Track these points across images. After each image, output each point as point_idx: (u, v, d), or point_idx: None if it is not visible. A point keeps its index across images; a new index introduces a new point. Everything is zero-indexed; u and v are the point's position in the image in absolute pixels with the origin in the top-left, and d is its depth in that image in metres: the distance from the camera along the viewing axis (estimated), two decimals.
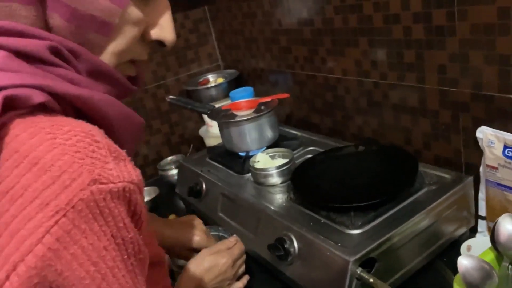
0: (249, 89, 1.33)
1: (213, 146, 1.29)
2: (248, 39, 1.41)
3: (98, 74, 0.46)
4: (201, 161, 1.23)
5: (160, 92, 1.53)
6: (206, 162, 1.21)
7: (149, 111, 1.51)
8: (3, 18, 0.42)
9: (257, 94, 1.32)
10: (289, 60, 1.26)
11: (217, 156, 1.20)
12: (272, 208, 0.90)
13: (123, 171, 0.38)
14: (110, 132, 0.43)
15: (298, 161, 1.03)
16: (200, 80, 1.56)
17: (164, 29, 0.50)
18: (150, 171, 1.52)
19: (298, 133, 1.22)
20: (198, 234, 0.87)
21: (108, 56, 0.47)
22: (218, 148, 1.24)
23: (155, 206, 1.27)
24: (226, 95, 1.45)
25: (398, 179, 0.85)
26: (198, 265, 0.76)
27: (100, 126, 0.41)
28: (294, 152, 1.09)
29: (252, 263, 0.90)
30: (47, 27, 0.44)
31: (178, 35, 1.50)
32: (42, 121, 0.37)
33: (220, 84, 1.48)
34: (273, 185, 0.98)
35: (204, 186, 1.12)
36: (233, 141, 1.14)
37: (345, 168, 0.95)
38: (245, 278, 0.84)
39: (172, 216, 1.18)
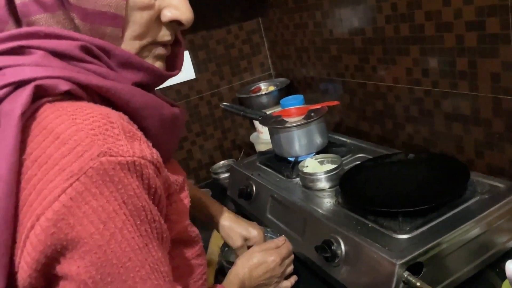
0: (299, 97, 1.37)
1: (263, 151, 1.33)
2: (299, 49, 1.45)
3: (128, 64, 0.51)
4: (251, 165, 1.27)
5: (214, 100, 1.60)
6: (257, 166, 1.25)
7: (203, 118, 1.59)
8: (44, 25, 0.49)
9: (307, 102, 1.35)
10: (339, 68, 1.28)
11: (267, 161, 1.24)
12: (320, 211, 0.93)
13: (135, 148, 0.44)
14: (135, 118, 0.49)
15: (347, 167, 1.05)
16: (252, 88, 1.62)
17: (178, 8, 0.53)
18: (203, 175, 1.59)
19: (348, 140, 1.24)
20: (256, 228, 0.91)
21: (128, 44, 0.52)
22: (268, 153, 1.28)
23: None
24: (277, 103, 1.49)
25: (448, 187, 0.85)
26: (247, 260, 0.80)
27: (125, 113, 0.48)
28: (343, 158, 1.11)
29: (299, 265, 0.93)
30: (76, 28, 0.49)
31: (232, 45, 1.59)
32: (67, 105, 0.45)
33: (271, 92, 1.53)
34: (321, 190, 1.01)
35: (254, 188, 1.16)
36: (283, 147, 1.18)
37: (394, 175, 0.96)
38: (293, 278, 0.87)
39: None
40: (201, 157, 1.61)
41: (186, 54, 1.51)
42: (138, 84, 0.53)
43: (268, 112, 1.31)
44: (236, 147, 1.67)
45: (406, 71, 1.04)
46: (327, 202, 0.96)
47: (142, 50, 0.54)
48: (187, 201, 0.61)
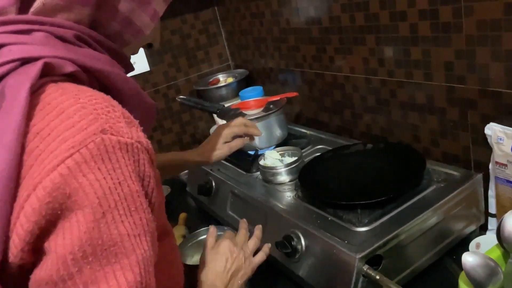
0: (258, 88, 1.34)
1: None
2: (257, 39, 1.42)
3: (117, 55, 0.54)
4: None
5: (171, 93, 1.55)
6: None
7: (160, 111, 1.54)
8: (63, 10, 0.50)
9: (267, 93, 1.33)
10: (297, 59, 1.26)
11: None
12: (280, 206, 0.91)
13: (133, 132, 0.45)
14: (124, 104, 0.48)
15: (307, 159, 1.04)
16: (211, 80, 1.58)
17: (155, 35, 0.62)
18: None
19: (307, 132, 1.23)
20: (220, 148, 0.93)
21: (126, 50, 0.57)
22: None
23: (166, 204, 1.28)
24: (236, 95, 1.46)
25: (405, 177, 0.85)
26: (205, 272, 0.71)
27: (115, 98, 0.48)
28: (303, 150, 1.10)
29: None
30: (90, 22, 0.52)
31: (188, 36, 1.53)
32: (70, 86, 0.46)
33: (230, 84, 1.49)
34: (282, 183, 0.99)
35: (213, 184, 1.13)
36: None
37: (353, 166, 0.96)
38: (266, 246, 0.78)
39: (183, 215, 1.20)
40: (160, 152, 1.55)
41: None
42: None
43: (227, 105, 1.28)
44: (196, 141, 1.62)
45: (363, 61, 1.03)
46: (288, 196, 0.94)
47: None
48: (163, 195, 0.59)
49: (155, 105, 0.58)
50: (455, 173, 0.87)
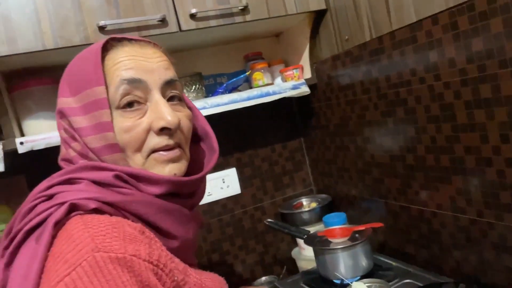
0: (342, 215, 1.40)
1: (307, 270, 1.34)
2: (341, 168, 1.52)
3: (149, 181, 0.65)
4: (295, 285, 1.27)
5: (257, 214, 1.66)
6: (301, 287, 1.25)
7: (246, 231, 1.63)
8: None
9: (350, 219, 1.38)
10: (381, 190, 1.33)
11: (311, 282, 1.24)
12: None
13: (129, 248, 0.53)
14: (155, 223, 0.62)
15: None
16: (294, 203, 1.67)
17: (161, 118, 0.66)
18: None
19: (393, 263, 1.23)
20: None
21: (133, 159, 0.66)
22: (313, 273, 1.28)
23: None
24: (319, 219, 1.52)
25: None
26: None
27: (145, 220, 0.61)
28: (390, 283, 1.10)
29: None
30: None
31: (276, 163, 1.68)
32: (90, 217, 0.57)
33: (313, 209, 1.57)
34: None
35: None
36: (328, 268, 1.18)
37: None
38: None
39: None
40: (243, 272, 1.61)
41: (233, 171, 1.62)
42: (167, 194, 0.66)
43: (310, 229, 1.35)
44: (277, 262, 1.67)
45: (450, 199, 1.07)
46: None
47: (147, 159, 0.67)
48: None
49: (188, 214, 0.68)
50: None
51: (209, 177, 1.61)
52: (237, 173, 1.63)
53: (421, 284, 1.05)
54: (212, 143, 0.78)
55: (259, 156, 1.67)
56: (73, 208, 0.59)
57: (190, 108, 0.77)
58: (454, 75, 0.98)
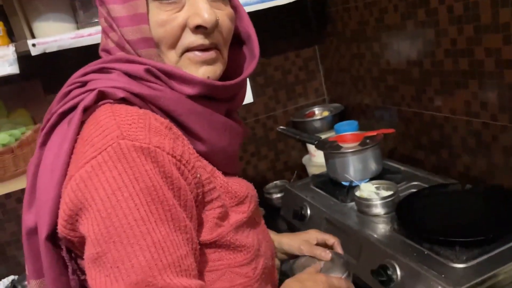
0: (353, 123, 1.41)
1: (317, 174, 1.38)
2: (355, 77, 1.50)
3: (182, 80, 0.62)
4: (305, 187, 1.33)
5: (269, 123, 1.68)
6: (310, 189, 1.30)
7: (258, 139, 1.67)
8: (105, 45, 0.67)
9: (361, 128, 1.40)
10: (395, 97, 1.32)
11: (321, 184, 1.29)
12: (375, 236, 0.96)
13: (153, 139, 0.55)
14: (184, 122, 0.61)
15: (402, 194, 1.08)
16: (307, 112, 1.68)
17: (197, 15, 0.61)
18: None
19: (402, 168, 1.26)
20: (310, 232, 0.91)
21: (167, 55, 0.63)
22: (322, 176, 1.33)
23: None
24: (330, 128, 1.54)
25: (506, 219, 0.87)
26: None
27: (173, 118, 0.61)
28: (398, 185, 1.14)
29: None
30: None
31: (289, 71, 1.66)
32: (118, 106, 0.59)
33: (325, 117, 1.58)
34: (377, 215, 1.04)
35: (308, 210, 1.21)
36: (338, 171, 1.22)
37: (451, 205, 0.98)
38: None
39: (277, 261, 1.27)
40: (255, 176, 1.68)
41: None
42: (200, 96, 0.63)
43: (322, 137, 1.37)
44: (288, 169, 1.73)
45: (465, 103, 1.07)
46: (382, 228, 0.99)
47: (181, 58, 0.64)
48: (242, 216, 0.67)
49: (234, 124, 0.67)
50: None
51: None
52: (250, 82, 1.62)
53: (428, 186, 1.09)
54: (253, 48, 0.71)
55: (271, 64, 1.65)
56: (102, 96, 0.60)
57: (235, 7, 0.71)
58: None
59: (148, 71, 0.61)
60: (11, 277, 1.35)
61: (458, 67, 1.05)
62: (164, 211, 0.53)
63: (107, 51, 0.67)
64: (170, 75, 0.62)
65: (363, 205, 1.06)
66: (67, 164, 0.57)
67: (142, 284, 0.49)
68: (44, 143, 0.62)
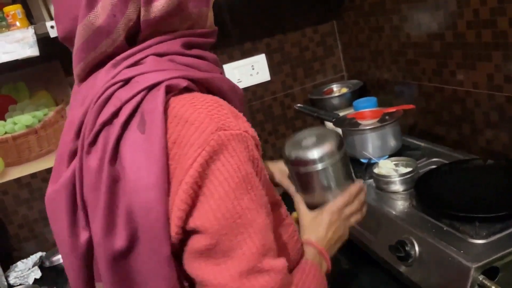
0: (372, 99, 1.39)
1: None
2: (374, 52, 1.47)
3: (213, 59, 0.63)
4: None
5: (287, 101, 1.67)
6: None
7: (276, 117, 1.66)
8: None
9: (381, 104, 1.38)
10: (415, 72, 1.29)
11: None
12: (394, 212, 0.96)
13: (240, 124, 0.55)
14: (226, 100, 0.60)
15: (422, 171, 1.07)
16: (325, 90, 1.66)
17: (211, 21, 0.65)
18: None
19: (422, 144, 1.24)
20: (275, 170, 0.94)
21: (208, 22, 0.65)
22: None
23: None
24: (349, 105, 1.52)
25: None
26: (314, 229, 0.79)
27: (218, 96, 0.59)
28: (418, 162, 1.12)
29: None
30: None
31: (306, 48, 1.64)
32: (187, 96, 0.57)
33: (344, 94, 1.56)
34: (395, 192, 1.03)
35: None
36: (356, 148, 1.21)
37: (471, 180, 0.97)
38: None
39: (294, 214, 1.29)
40: (273, 155, 1.68)
41: (263, 57, 1.59)
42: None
43: (341, 114, 1.36)
44: None
45: (487, 77, 1.03)
46: (401, 204, 0.99)
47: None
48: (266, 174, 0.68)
49: (242, 93, 0.68)
50: None
51: (238, 63, 1.61)
52: (267, 60, 1.60)
53: (448, 162, 1.07)
54: None
55: (288, 41, 1.62)
56: (169, 90, 0.56)
57: None
58: None
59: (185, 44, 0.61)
60: (39, 254, 1.41)
61: (481, 39, 1.02)
62: (257, 196, 0.55)
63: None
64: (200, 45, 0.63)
65: (381, 182, 1.06)
66: (167, 174, 0.53)
67: (253, 270, 0.52)
68: (113, 160, 0.55)
